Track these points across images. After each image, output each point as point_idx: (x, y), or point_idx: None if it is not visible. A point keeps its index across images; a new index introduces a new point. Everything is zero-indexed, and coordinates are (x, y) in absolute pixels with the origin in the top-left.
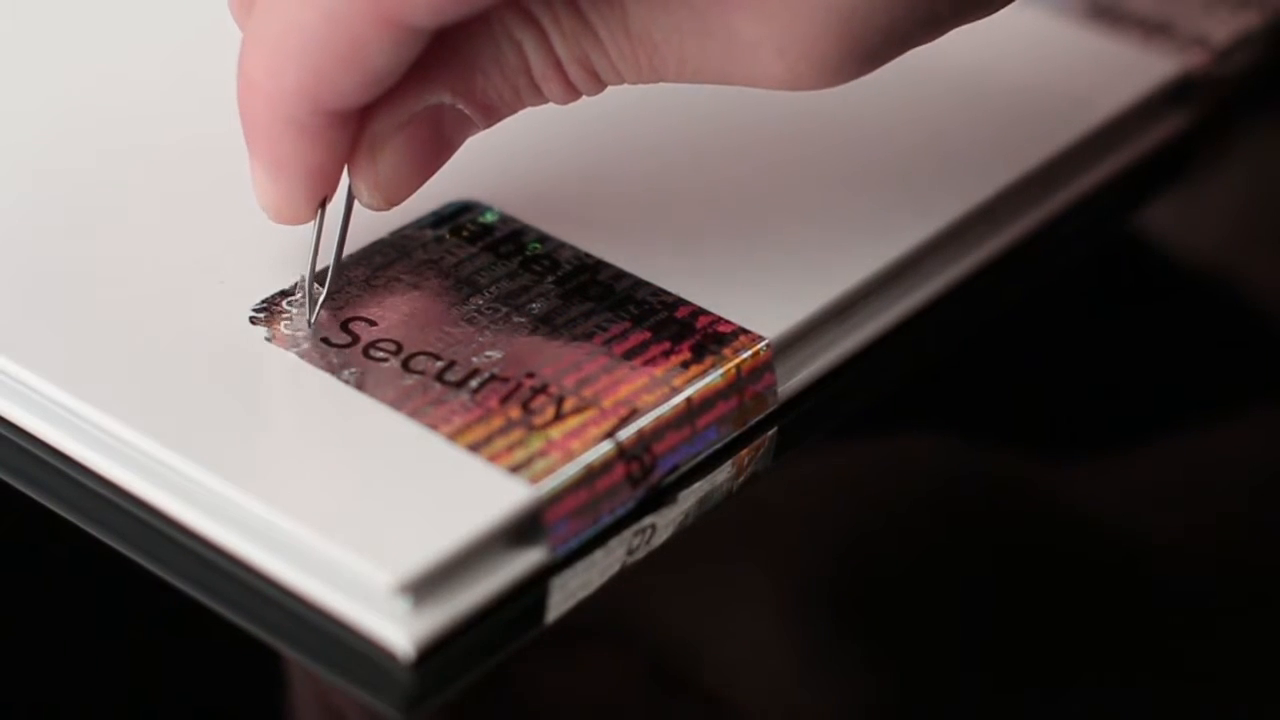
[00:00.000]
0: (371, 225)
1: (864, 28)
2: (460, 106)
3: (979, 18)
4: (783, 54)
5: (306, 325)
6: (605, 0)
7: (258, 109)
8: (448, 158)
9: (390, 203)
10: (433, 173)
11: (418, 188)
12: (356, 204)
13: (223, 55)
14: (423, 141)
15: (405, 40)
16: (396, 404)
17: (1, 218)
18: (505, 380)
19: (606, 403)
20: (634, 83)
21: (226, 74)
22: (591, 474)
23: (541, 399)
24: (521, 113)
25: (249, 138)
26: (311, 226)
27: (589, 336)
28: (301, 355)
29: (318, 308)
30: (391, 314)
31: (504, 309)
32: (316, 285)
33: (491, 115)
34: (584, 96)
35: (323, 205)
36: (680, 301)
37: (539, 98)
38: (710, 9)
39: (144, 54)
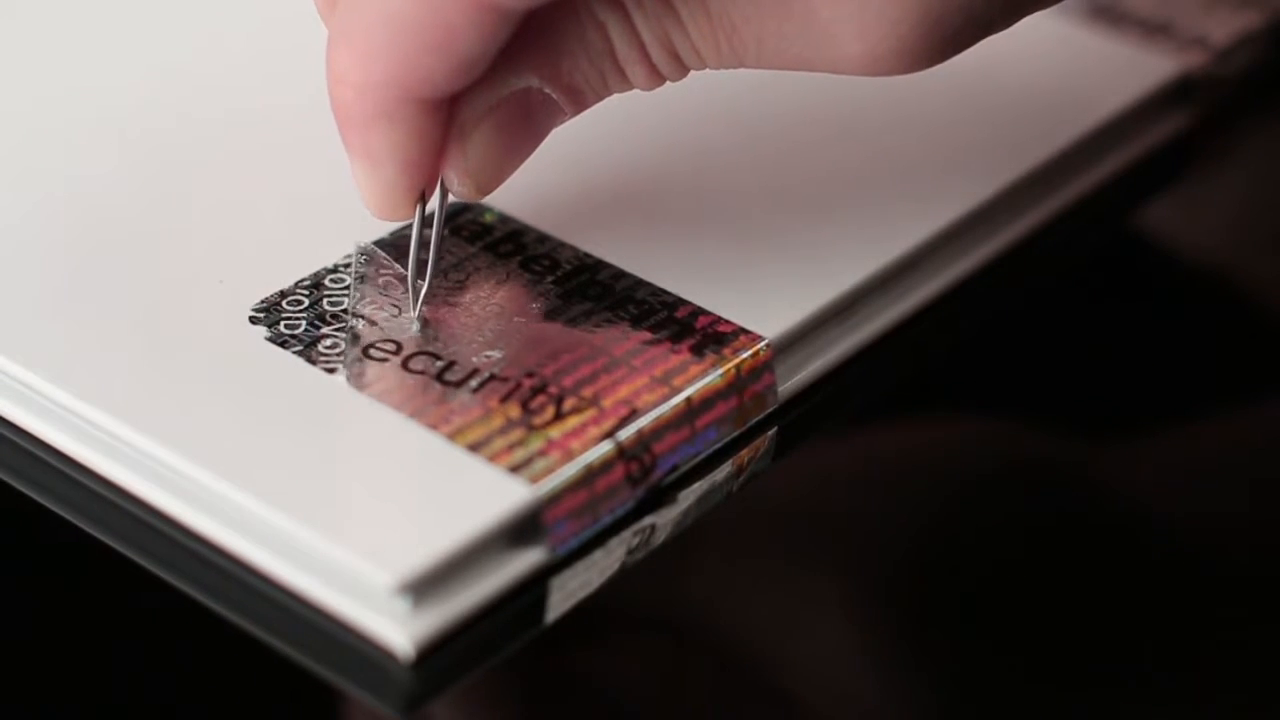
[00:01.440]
0: (371, 226)
1: (945, 9)
2: (547, 90)
3: (1053, 3)
4: (862, 36)
5: (411, 319)
6: None
7: (349, 103)
8: (536, 145)
9: (482, 191)
10: (522, 160)
11: (507, 175)
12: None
13: (223, 56)
14: (511, 127)
15: (497, 24)
16: (396, 404)
17: (1, 219)
18: (505, 380)
19: (606, 403)
20: (715, 67)
21: (225, 75)
22: (591, 474)
23: (541, 399)
24: None
25: (344, 134)
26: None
27: (589, 336)
28: (302, 356)
29: (420, 301)
30: (391, 314)
31: (504, 309)
32: (418, 279)
33: (579, 100)
34: (669, 82)
35: (423, 199)
36: (680, 301)
37: (624, 83)
38: None
39: (143, 55)
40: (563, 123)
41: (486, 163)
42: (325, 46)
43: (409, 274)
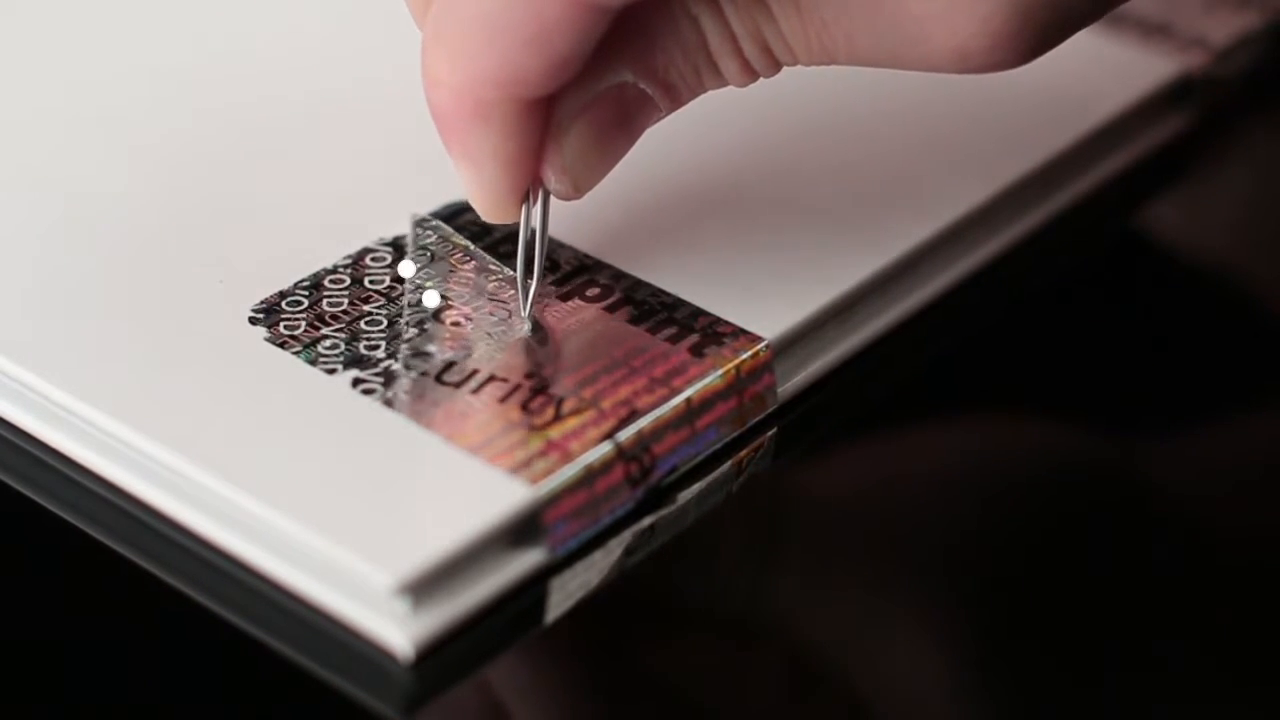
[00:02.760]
0: (373, 227)
1: (1035, 4)
2: (642, 85)
3: None
4: (954, 32)
5: (522, 319)
6: None
7: (446, 105)
8: (632, 142)
9: (579, 189)
10: (617, 157)
11: (604, 173)
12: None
13: (222, 57)
14: (607, 123)
15: (593, 21)
16: (396, 404)
17: (1, 219)
18: (505, 381)
19: (606, 404)
20: (807, 63)
21: (224, 75)
22: (591, 475)
23: (541, 400)
24: None
25: (443, 136)
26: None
27: (588, 337)
28: (302, 356)
29: (530, 300)
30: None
31: (504, 309)
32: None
33: (674, 96)
34: (761, 78)
35: (529, 198)
36: (680, 302)
37: (718, 78)
38: None
39: (143, 56)
40: (658, 120)
41: (583, 160)
42: (420, 49)
43: (518, 275)
